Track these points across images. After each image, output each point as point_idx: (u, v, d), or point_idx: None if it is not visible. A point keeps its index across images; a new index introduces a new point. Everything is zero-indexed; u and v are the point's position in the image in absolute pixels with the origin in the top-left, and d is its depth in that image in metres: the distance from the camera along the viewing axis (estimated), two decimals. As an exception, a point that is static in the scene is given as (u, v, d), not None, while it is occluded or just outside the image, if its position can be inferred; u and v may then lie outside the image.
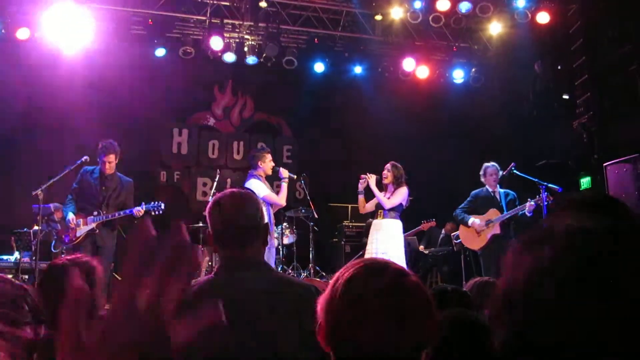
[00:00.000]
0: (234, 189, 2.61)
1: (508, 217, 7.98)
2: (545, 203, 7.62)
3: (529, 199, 7.85)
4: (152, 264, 0.65)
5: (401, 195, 7.72)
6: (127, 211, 7.47)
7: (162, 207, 7.60)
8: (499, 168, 8.17)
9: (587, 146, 9.58)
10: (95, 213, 7.41)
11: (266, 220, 2.60)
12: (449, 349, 1.88)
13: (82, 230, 7.39)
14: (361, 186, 7.91)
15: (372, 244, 7.74)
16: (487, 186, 8.23)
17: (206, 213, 2.54)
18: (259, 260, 2.49)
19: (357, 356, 1.35)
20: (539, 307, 0.83)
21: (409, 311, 1.35)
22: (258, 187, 7.48)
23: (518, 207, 7.97)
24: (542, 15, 9.48)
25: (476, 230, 8.16)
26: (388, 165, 7.87)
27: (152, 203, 7.61)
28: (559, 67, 10.23)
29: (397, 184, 7.75)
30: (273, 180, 8.98)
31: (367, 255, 7.55)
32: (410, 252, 10.17)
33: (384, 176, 7.82)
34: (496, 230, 8.03)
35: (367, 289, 1.36)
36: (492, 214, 8.11)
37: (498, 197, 8.19)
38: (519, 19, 9.61)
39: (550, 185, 7.69)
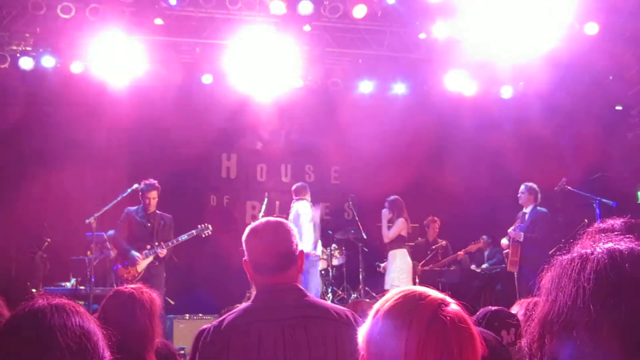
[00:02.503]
0: (269, 218, 2.71)
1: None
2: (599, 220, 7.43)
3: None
4: None
5: (397, 227, 8.61)
6: (180, 238, 7.93)
7: (210, 228, 8.12)
8: (529, 186, 8.23)
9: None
10: (149, 247, 7.77)
11: (302, 247, 2.70)
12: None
13: (142, 266, 7.73)
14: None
15: (388, 275, 8.65)
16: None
17: (243, 241, 2.62)
18: (294, 285, 2.57)
19: None
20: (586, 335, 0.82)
21: (452, 340, 1.32)
22: (307, 210, 7.82)
23: None
24: (591, 26, 9.28)
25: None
26: (386, 203, 8.78)
27: (200, 227, 8.10)
28: (611, 78, 9.99)
29: (396, 216, 8.63)
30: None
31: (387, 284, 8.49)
32: (462, 271, 10.04)
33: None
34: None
35: (410, 320, 1.33)
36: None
37: (525, 216, 8.18)
38: (567, 30, 9.42)
39: (603, 200, 7.48)
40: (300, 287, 2.62)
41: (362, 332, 1.42)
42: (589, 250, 0.96)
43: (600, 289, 0.91)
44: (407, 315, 1.35)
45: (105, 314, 2.85)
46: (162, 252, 7.74)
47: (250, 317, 2.47)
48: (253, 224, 2.65)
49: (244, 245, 2.62)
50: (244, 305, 2.63)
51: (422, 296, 1.39)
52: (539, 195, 8.19)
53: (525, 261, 7.82)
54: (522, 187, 8.25)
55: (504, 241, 8.35)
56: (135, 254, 7.66)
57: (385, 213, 8.74)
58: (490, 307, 3.10)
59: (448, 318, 1.34)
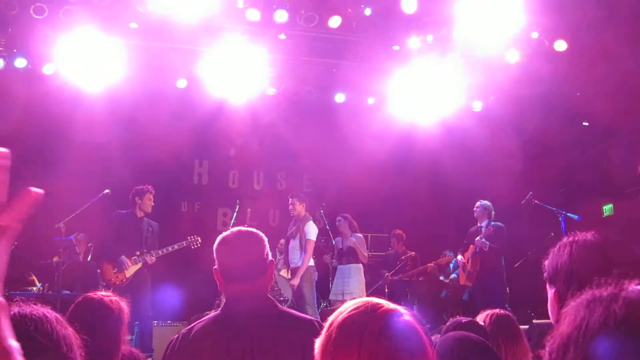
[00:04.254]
0: (241, 227, 2.75)
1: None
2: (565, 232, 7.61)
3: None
4: None
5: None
6: (169, 248, 7.98)
7: (199, 241, 8.16)
8: (483, 204, 8.68)
9: (608, 172, 9.51)
10: (138, 253, 7.74)
11: (271, 257, 2.73)
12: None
13: (130, 272, 7.69)
14: None
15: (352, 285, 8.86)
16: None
17: (214, 250, 2.66)
18: (264, 295, 2.61)
19: None
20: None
21: (403, 351, 1.34)
22: (312, 231, 8.06)
23: None
24: (560, 43, 9.48)
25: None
26: (348, 221, 9.09)
27: (189, 238, 8.15)
28: (578, 94, 10.21)
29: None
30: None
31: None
32: (430, 281, 10.17)
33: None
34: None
35: (361, 332, 1.36)
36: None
37: (481, 229, 8.59)
38: (536, 46, 9.61)
39: (568, 214, 7.65)
40: (270, 296, 2.65)
41: (317, 344, 1.44)
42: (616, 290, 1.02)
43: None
44: (359, 327, 1.37)
45: (73, 320, 2.82)
46: (152, 259, 7.71)
47: (219, 326, 2.49)
48: (224, 233, 2.68)
49: (214, 253, 2.65)
50: (212, 313, 2.64)
51: (375, 307, 1.40)
52: (493, 212, 8.63)
53: (486, 271, 8.16)
54: (478, 203, 8.63)
55: (459, 258, 8.69)
56: (125, 259, 7.61)
57: (361, 240, 8.99)
58: (460, 318, 3.13)
59: (399, 329, 1.36)
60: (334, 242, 9.42)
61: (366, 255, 9.07)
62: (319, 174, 11.91)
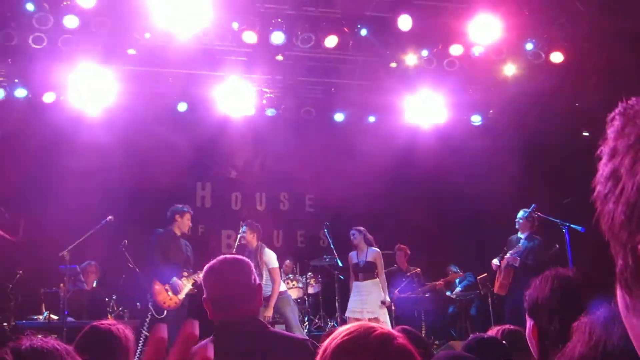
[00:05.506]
0: (226, 255, 2.78)
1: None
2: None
3: None
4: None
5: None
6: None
7: None
8: (529, 214, 8.25)
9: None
10: (185, 274, 7.61)
11: (259, 281, 2.74)
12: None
13: (183, 294, 7.55)
14: None
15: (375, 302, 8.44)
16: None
17: (201, 279, 2.72)
18: (254, 317, 2.64)
19: None
20: None
21: None
22: (273, 258, 7.90)
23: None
24: (556, 55, 9.53)
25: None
26: (365, 235, 8.60)
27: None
28: (577, 105, 10.24)
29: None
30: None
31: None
32: (437, 297, 10.12)
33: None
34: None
35: (356, 357, 1.36)
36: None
37: (520, 242, 8.26)
38: (532, 59, 9.67)
39: (572, 225, 7.60)
40: (261, 319, 2.70)
41: None
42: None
43: None
44: (354, 352, 1.37)
45: (81, 350, 2.80)
46: (200, 278, 7.37)
47: (215, 350, 2.46)
48: (210, 263, 2.71)
49: (202, 284, 2.69)
50: (204, 341, 2.62)
51: (369, 331, 1.41)
52: (536, 224, 8.28)
53: (518, 286, 7.87)
54: (522, 212, 8.29)
55: (495, 262, 8.32)
56: (178, 282, 7.48)
57: (379, 254, 8.59)
58: (482, 334, 3.12)
59: (394, 352, 1.36)
60: (337, 261, 9.38)
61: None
62: (321, 194, 11.91)
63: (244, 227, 8.36)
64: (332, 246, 9.55)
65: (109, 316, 8.08)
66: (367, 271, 8.44)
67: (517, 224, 8.34)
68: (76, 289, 8.28)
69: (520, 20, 9.09)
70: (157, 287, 7.53)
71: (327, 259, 9.95)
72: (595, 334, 1.00)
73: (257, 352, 2.46)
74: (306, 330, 9.36)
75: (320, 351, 1.44)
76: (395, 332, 1.42)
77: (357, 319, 8.20)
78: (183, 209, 7.90)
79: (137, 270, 7.83)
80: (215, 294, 2.61)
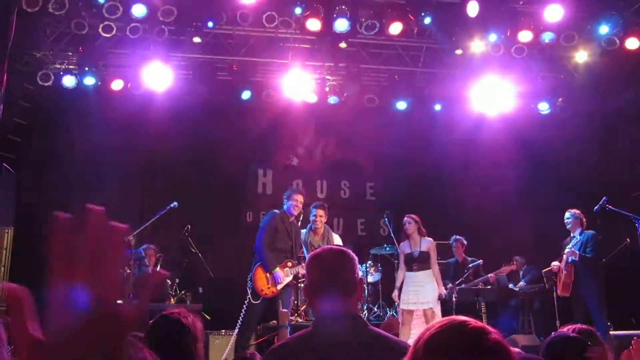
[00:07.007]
0: (332, 245, 2.72)
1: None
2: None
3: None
4: (78, 258, 0.72)
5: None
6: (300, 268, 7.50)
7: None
8: (574, 213, 8.15)
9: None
10: (290, 265, 7.46)
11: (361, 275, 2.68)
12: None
13: (282, 285, 7.40)
14: None
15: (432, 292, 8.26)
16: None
17: (305, 266, 2.69)
18: (355, 314, 2.56)
19: None
20: None
21: None
22: (339, 241, 7.90)
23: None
24: (631, 41, 9.11)
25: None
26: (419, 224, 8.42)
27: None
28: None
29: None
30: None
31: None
32: (499, 289, 9.90)
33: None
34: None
35: (449, 349, 1.33)
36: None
37: (574, 240, 8.10)
38: (606, 46, 9.29)
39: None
40: (361, 315, 2.62)
41: None
42: None
43: None
44: (447, 345, 1.34)
45: (151, 338, 2.86)
46: (303, 271, 7.20)
47: (310, 345, 2.45)
48: (315, 251, 2.68)
49: (305, 270, 2.67)
50: (303, 330, 2.60)
51: (462, 325, 1.37)
52: (584, 220, 8.11)
53: (582, 282, 7.75)
54: (568, 214, 8.14)
55: (555, 263, 8.21)
56: (280, 274, 7.32)
57: (433, 244, 8.44)
58: (567, 332, 3.05)
59: (489, 347, 1.32)
60: (398, 250, 9.30)
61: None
62: (382, 182, 11.83)
63: (314, 209, 8.28)
64: (392, 235, 9.47)
65: (171, 299, 8.27)
66: (422, 262, 8.27)
67: (566, 225, 8.17)
68: (141, 273, 8.50)
69: (593, 4, 8.74)
70: (259, 273, 7.43)
71: (387, 248, 9.89)
72: None
73: (357, 348, 2.40)
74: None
75: (413, 343, 1.42)
76: (489, 327, 1.39)
77: (411, 311, 8.13)
78: (294, 190, 7.82)
79: (200, 255, 7.93)
80: (315, 282, 2.58)
